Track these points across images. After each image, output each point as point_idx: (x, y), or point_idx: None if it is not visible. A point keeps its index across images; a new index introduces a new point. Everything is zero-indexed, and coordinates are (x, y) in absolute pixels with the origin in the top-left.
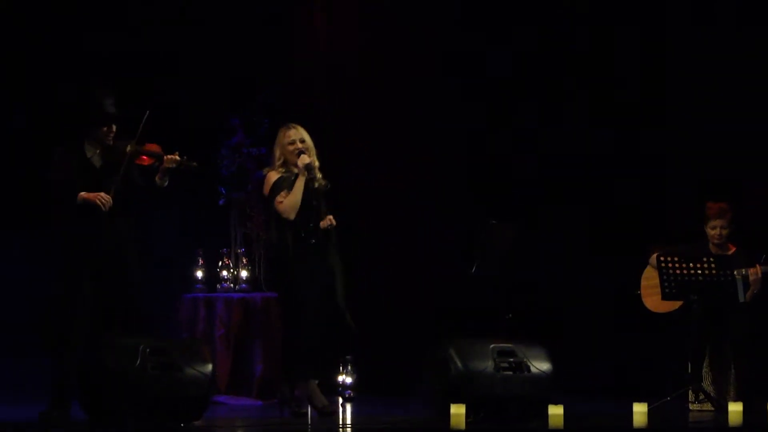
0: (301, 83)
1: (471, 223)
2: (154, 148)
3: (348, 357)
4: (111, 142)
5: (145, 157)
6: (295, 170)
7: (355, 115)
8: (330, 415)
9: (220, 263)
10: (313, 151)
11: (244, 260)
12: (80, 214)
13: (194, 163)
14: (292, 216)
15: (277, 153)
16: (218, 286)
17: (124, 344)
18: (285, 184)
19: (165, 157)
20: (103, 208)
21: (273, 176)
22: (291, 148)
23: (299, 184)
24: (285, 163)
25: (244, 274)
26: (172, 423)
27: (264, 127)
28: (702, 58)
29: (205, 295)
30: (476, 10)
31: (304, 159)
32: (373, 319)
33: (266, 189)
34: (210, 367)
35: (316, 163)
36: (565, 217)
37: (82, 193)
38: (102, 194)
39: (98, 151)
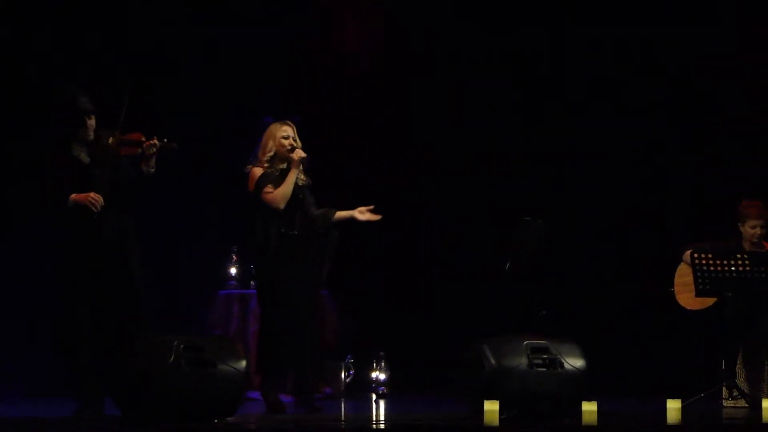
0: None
1: (504, 218)
2: (135, 136)
3: (382, 353)
4: (92, 137)
5: (128, 147)
6: (281, 166)
7: (364, 112)
8: (282, 412)
9: None
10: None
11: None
12: (72, 215)
13: (174, 145)
14: (282, 205)
15: (269, 145)
16: (252, 282)
17: (158, 341)
18: (270, 179)
19: (145, 143)
20: (93, 209)
21: (258, 171)
22: (285, 142)
23: (292, 176)
24: (273, 159)
25: None
26: (206, 420)
27: (296, 124)
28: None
29: (239, 291)
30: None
31: (300, 153)
32: (407, 316)
33: (251, 184)
34: (244, 363)
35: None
36: (598, 213)
37: (73, 195)
38: (92, 194)
39: (84, 148)
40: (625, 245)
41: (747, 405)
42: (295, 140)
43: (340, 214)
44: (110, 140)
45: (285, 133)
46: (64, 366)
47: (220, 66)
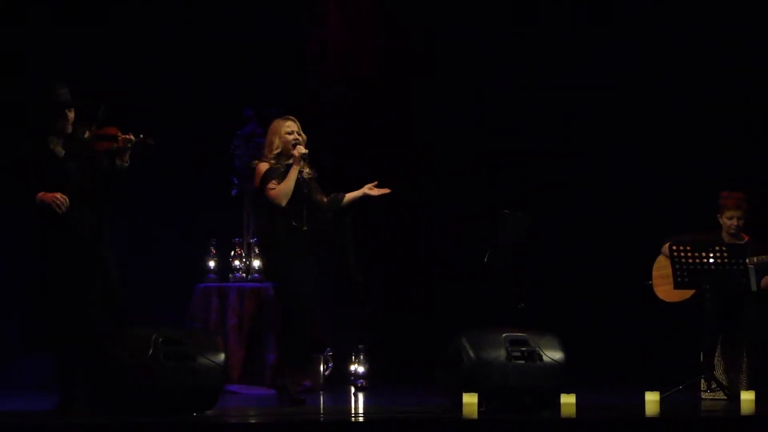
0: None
1: (484, 213)
2: (110, 131)
3: (360, 346)
4: (70, 130)
5: (103, 142)
6: (288, 161)
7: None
8: (300, 403)
9: (232, 253)
10: (305, 144)
11: (257, 250)
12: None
13: (150, 141)
14: (284, 202)
15: (276, 142)
16: (231, 275)
17: (137, 334)
18: (275, 174)
19: (120, 137)
20: (58, 210)
21: (264, 167)
22: (290, 138)
23: (293, 173)
24: (279, 155)
25: (256, 263)
26: (185, 413)
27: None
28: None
29: (217, 285)
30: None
31: (301, 149)
32: (385, 309)
33: (257, 180)
34: (223, 356)
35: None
36: (577, 206)
37: (40, 194)
38: (58, 195)
39: (60, 141)
40: (604, 238)
41: (725, 397)
42: (299, 134)
43: (350, 195)
44: (86, 134)
45: (289, 128)
46: (52, 358)
47: (198, 57)
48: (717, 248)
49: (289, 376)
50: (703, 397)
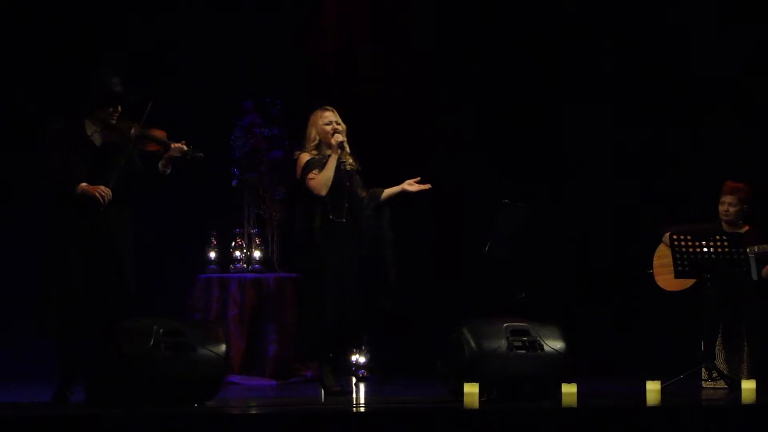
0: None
1: (483, 202)
2: (159, 133)
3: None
4: (114, 122)
5: (150, 143)
6: (328, 152)
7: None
8: (340, 395)
9: (233, 244)
10: (345, 133)
11: (257, 241)
12: (74, 202)
13: (200, 154)
14: (323, 192)
15: (312, 134)
16: (231, 266)
17: (138, 325)
18: (316, 164)
19: (172, 145)
20: (101, 201)
21: (305, 157)
22: (328, 128)
23: (332, 162)
24: (319, 145)
25: (257, 254)
26: (186, 403)
27: (277, 108)
28: None
29: (218, 275)
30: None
31: (338, 137)
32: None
33: (298, 171)
34: (223, 347)
35: (348, 148)
36: (577, 195)
37: (82, 184)
38: (102, 187)
39: (99, 129)
40: (604, 226)
41: (726, 386)
42: (338, 123)
43: (389, 191)
44: (132, 130)
45: (326, 119)
46: (55, 347)
47: (208, 50)
48: (717, 237)
49: (320, 369)
50: (704, 386)
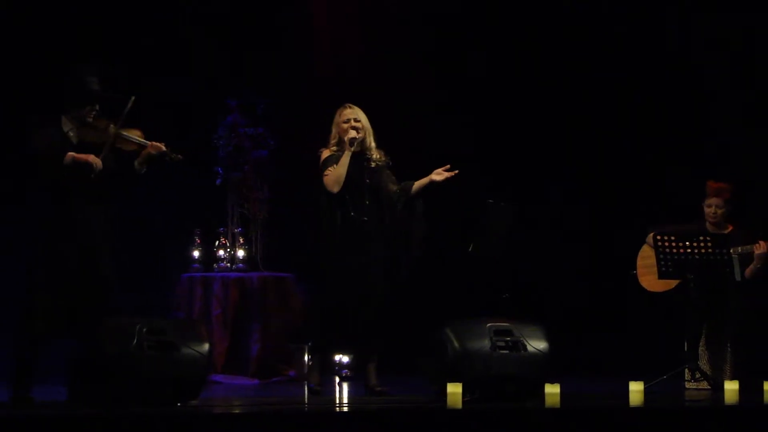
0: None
1: (468, 202)
2: (137, 133)
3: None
4: (91, 120)
5: (127, 143)
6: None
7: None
8: (379, 395)
9: (217, 243)
10: (369, 131)
11: (241, 240)
12: (55, 198)
13: (179, 156)
14: (335, 189)
15: (333, 131)
16: (215, 265)
17: (121, 324)
18: (333, 161)
19: (150, 144)
20: (93, 169)
21: (325, 154)
22: (345, 126)
23: (344, 159)
24: (339, 142)
25: (241, 253)
26: (169, 403)
27: (260, 107)
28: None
29: (202, 274)
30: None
31: (351, 133)
32: None
33: (319, 167)
34: (207, 346)
35: (373, 144)
36: (563, 195)
37: (71, 153)
38: (92, 156)
39: (76, 127)
40: (588, 227)
41: (709, 387)
42: (356, 121)
43: (418, 183)
44: (111, 129)
45: (345, 116)
46: (14, 347)
47: (182, 45)
48: (701, 238)
49: (312, 363)
50: (687, 386)
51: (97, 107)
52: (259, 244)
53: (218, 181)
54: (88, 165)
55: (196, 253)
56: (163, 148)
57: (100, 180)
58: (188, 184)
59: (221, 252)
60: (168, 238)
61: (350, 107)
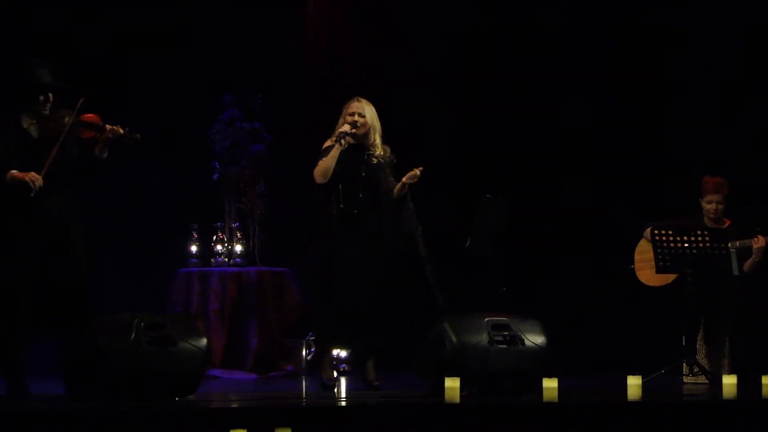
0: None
1: (464, 197)
2: (93, 118)
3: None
4: (48, 113)
5: (84, 129)
6: (352, 141)
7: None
8: (377, 389)
9: (214, 238)
10: (375, 127)
11: (239, 235)
12: (11, 191)
13: (137, 135)
14: (319, 180)
15: (340, 121)
16: (213, 260)
17: (119, 319)
18: (326, 152)
19: (106, 127)
20: (32, 186)
21: (325, 144)
22: (349, 119)
23: (334, 152)
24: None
25: (238, 248)
26: (167, 397)
27: (258, 102)
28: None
29: (199, 269)
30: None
31: (343, 128)
32: None
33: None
34: (205, 341)
35: (377, 141)
36: (559, 191)
37: (12, 171)
38: (32, 174)
39: (35, 122)
40: (585, 222)
41: (707, 381)
42: (360, 116)
43: (397, 187)
44: (66, 119)
45: (351, 109)
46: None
47: (178, 40)
48: (699, 233)
49: (322, 360)
50: (685, 381)
51: (51, 99)
52: (257, 239)
53: (215, 176)
54: (25, 184)
55: (193, 248)
56: (121, 131)
57: (63, 169)
58: (185, 179)
59: (218, 247)
60: (165, 233)
61: (359, 100)
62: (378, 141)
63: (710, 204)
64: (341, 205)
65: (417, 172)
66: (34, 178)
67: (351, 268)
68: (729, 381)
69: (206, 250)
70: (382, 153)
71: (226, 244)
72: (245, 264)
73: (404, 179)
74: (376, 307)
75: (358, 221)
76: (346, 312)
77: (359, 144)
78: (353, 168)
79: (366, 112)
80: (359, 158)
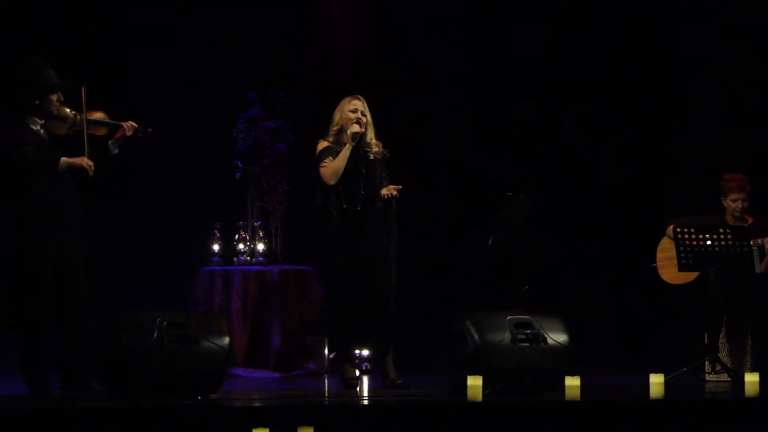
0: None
1: (487, 195)
2: (99, 114)
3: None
4: (55, 113)
5: (98, 127)
6: (347, 139)
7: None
8: (399, 388)
9: (236, 236)
10: (370, 124)
11: (261, 233)
12: (29, 189)
13: (150, 129)
14: (332, 181)
15: (336, 118)
16: (235, 259)
17: (142, 318)
18: (330, 153)
19: (124, 124)
20: (89, 172)
21: (322, 145)
22: (352, 116)
23: (345, 152)
24: (339, 132)
25: (260, 247)
26: (190, 396)
27: (281, 101)
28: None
29: (221, 268)
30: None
31: (354, 128)
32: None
33: (316, 158)
34: (227, 340)
35: (373, 139)
36: (581, 187)
37: (65, 159)
38: (85, 159)
39: (43, 123)
40: (608, 220)
41: (729, 379)
42: (363, 115)
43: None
44: (78, 118)
45: (353, 106)
46: (18, 345)
47: (202, 39)
48: (721, 230)
49: (338, 360)
50: (707, 379)
51: (61, 97)
52: (279, 238)
53: (238, 175)
54: (83, 170)
55: (215, 247)
56: (136, 125)
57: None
58: (208, 177)
59: (241, 246)
60: (188, 232)
61: (359, 98)
62: (373, 137)
63: (735, 202)
64: (344, 205)
65: (395, 192)
66: (89, 162)
67: (358, 266)
68: (751, 379)
69: (228, 249)
70: (377, 149)
71: (248, 243)
72: (267, 263)
73: (384, 191)
74: (386, 303)
75: (361, 218)
76: (356, 310)
77: (357, 141)
78: (352, 165)
79: (367, 111)
80: (357, 155)
